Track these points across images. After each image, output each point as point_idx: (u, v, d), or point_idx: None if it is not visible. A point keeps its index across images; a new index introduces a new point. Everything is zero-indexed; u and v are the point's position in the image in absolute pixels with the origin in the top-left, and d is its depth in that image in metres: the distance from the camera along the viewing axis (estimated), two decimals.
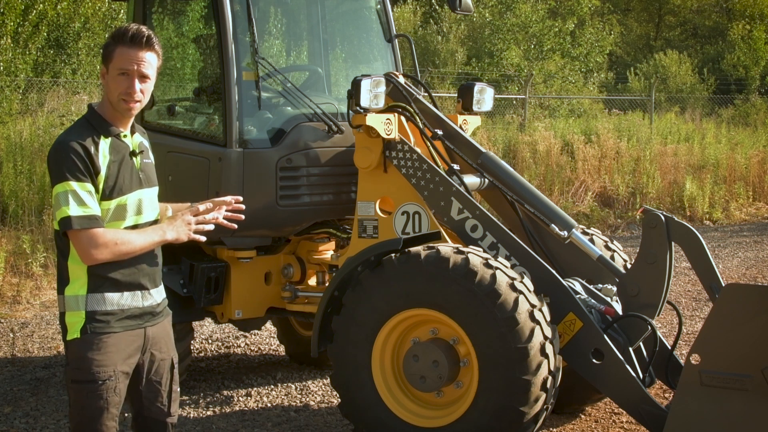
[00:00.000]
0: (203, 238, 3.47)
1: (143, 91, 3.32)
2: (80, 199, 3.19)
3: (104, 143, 3.30)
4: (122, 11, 15.69)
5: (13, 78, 13.79)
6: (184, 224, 3.39)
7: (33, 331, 8.27)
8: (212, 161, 5.67)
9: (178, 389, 3.64)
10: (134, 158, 3.40)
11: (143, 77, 3.30)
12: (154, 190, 3.50)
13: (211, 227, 3.47)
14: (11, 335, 8.08)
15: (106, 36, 3.36)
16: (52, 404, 6.08)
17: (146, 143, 3.55)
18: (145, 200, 3.42)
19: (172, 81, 6.81)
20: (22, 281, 9.70)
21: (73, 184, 3.19)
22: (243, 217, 3.61)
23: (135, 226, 3.37)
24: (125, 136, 3.39)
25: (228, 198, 3.58)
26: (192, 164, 5.80)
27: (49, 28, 15.22)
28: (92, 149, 3.24)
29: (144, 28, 3.32)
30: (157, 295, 3.49)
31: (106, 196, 3.28)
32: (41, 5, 14.65)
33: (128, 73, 3.27)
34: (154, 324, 3.46)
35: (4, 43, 13.79)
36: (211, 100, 5.80)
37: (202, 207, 3.47)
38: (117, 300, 3.33)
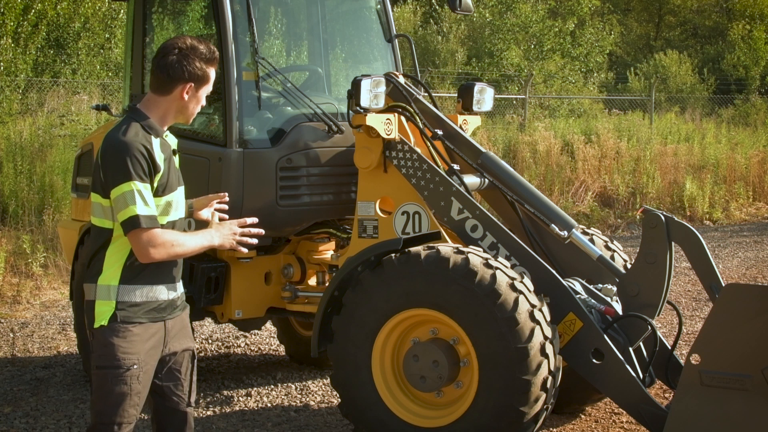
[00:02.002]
0: (245, 250, 3.61)
1: None
2: (145, 199, 3.29)
3: (156, 142, 3.40)
4: (122, 11, 15.68)
5: (13, 78, 13.78)
6: (230, 233, 3.52)
7: (33, 331, 8.27)
8: (212, 161, 5.67)
9: (196, 379, 3.71)
10: (175, 157, 3.54)
11: None
12: (183, 189, 3.62)
13: (254, 241, 3.59)
14: (11, 335, 8.08)
15: (182, 50, 3.44)
16: (52, 404, 6.08)
17: None
18: (181, 198, 3.56)
19: None
20: (22, 281, 9.71)
21: (138, 184, 3.28)
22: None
23: (173, 223, 3.48)
24: (167, 136, 3.52)
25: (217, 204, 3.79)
26: (192, 164, 5.78)
27: (48, 27, 15.20)
28: (151, 148, 3.34)
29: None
30: (180, 287, 3.59)
31: (159, 193, 3.39)
32: (40, 5, 14.62)
33: None
34: (174, 317, 3.54)
35: (4, 43, 13.77)
36: (211, 100, 5.79)
37: (249, 220, 3.60)
38: (147, 292, 3.41)
